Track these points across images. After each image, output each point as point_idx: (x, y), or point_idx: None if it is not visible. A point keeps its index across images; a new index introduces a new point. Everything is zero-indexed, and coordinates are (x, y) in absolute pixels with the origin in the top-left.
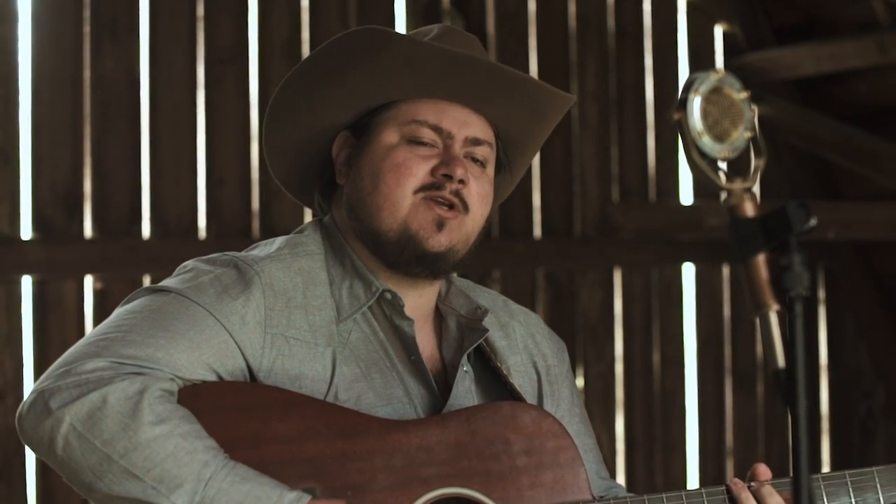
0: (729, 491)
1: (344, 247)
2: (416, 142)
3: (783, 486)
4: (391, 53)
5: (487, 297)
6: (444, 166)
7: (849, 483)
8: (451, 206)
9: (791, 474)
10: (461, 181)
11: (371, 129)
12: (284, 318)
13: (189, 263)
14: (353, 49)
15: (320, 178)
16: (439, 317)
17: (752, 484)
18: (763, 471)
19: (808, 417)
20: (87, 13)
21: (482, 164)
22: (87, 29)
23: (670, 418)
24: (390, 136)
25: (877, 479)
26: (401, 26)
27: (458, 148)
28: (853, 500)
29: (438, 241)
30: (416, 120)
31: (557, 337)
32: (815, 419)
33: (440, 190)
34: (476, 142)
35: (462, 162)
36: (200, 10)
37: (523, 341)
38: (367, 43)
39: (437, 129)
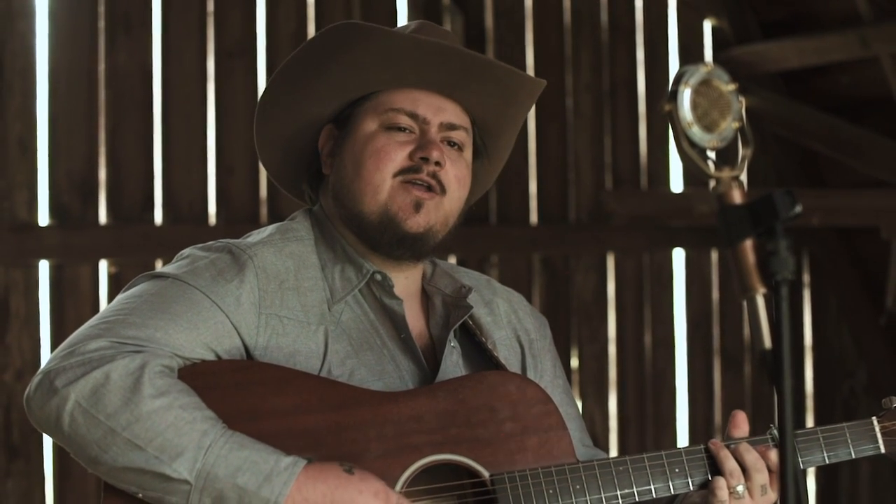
0: (708, 450)
1: (333, 233)
2: (394, 128)
3: (758, 443)
4: (367, 46)
5: (471, 277)
6: (421, 150)
7: (821, 439)
8: (428, 188)
9: (777, 452)
10: (437, 163)
11: (352, 119)
12: (277, 298)
13: (186, 251)
14: (332, 44)
15: (308, 171)
16: (426, 297)
17: (731, 444)
18: (741, 419)
19: (793, 396)
20: (101, 9)
21: (459, 148)
22: (101, 24)
23: (661, 397)
24: (369, 125)
25: (847, 435)
26: (402, 22)
27: (434, 133)
28: (825, 455)
29: (416, 223)
30: (393, 108)
31: (540, 314)
32: (799, 398)
33: (418, 173)
34: (451, 126)
35: (438, 145)
36: (210, 6)
37: (507, 317)
38: (344, 37)
39: (413, 116)
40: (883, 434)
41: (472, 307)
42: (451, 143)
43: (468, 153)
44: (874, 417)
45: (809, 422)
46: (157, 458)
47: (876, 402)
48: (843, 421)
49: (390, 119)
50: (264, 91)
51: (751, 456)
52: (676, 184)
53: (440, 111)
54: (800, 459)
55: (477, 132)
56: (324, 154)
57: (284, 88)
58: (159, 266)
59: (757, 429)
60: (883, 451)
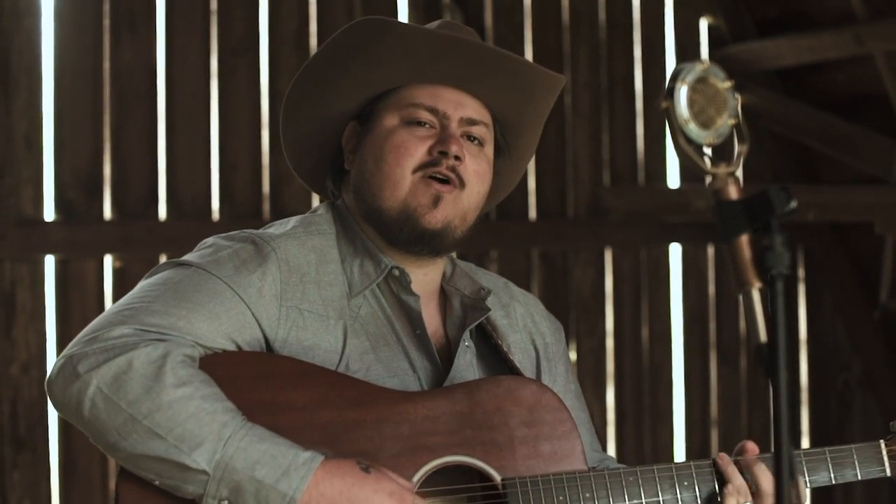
0: (715, 464)
1: (354, 227)
2: (414, 123)
3: (769, 460)
4: (387, 41)
5: (490, 279)
6: (440, 144)
7: (828, 459)
8: (447, 181)
9: (772, 443)
10: (457, 158)
11: (373, 115)
12: (299, 291)
13: (209, 240)
14: (354, 40)
15: (331, 166)
16: (444, 296)
17: (741, 459)
18: (751, 447)
19: (788, 390)
20: (106, 7)
21: (479, 143)
22: (106, 22)
23: (658, 390)
24: (390, 121)
25: (854, 456)
26: (403, 19)
27: (454, 128)
28: (832, 475)
29: (434, 218)
30: (414, 103)
31: (555, 318)
32: (795, 391)
33: (437, 167)
34: (471, 121)
35: (457, 140)
36: (214, 4)
37: (523, 320)
38: (366, 33)
39: (433, 111)
40: (889, 457)
41: (489, 309)
42: (471, 138)
43: (489, 149)
44: (882, 441)
45: (805, 415)
46: (176, 447)
47: (870, 395)
48: (838, 414)
49: (410, 114)
50: (290, 88)
51: (766, 478)
52: (673, 180)
53: (460, 106)
54: (807, 479)
55: (498, 129)
56: (347, 150)
57: (309, 85)
58: (163, 261)
59: (752, 421)
60: (889, 473)
